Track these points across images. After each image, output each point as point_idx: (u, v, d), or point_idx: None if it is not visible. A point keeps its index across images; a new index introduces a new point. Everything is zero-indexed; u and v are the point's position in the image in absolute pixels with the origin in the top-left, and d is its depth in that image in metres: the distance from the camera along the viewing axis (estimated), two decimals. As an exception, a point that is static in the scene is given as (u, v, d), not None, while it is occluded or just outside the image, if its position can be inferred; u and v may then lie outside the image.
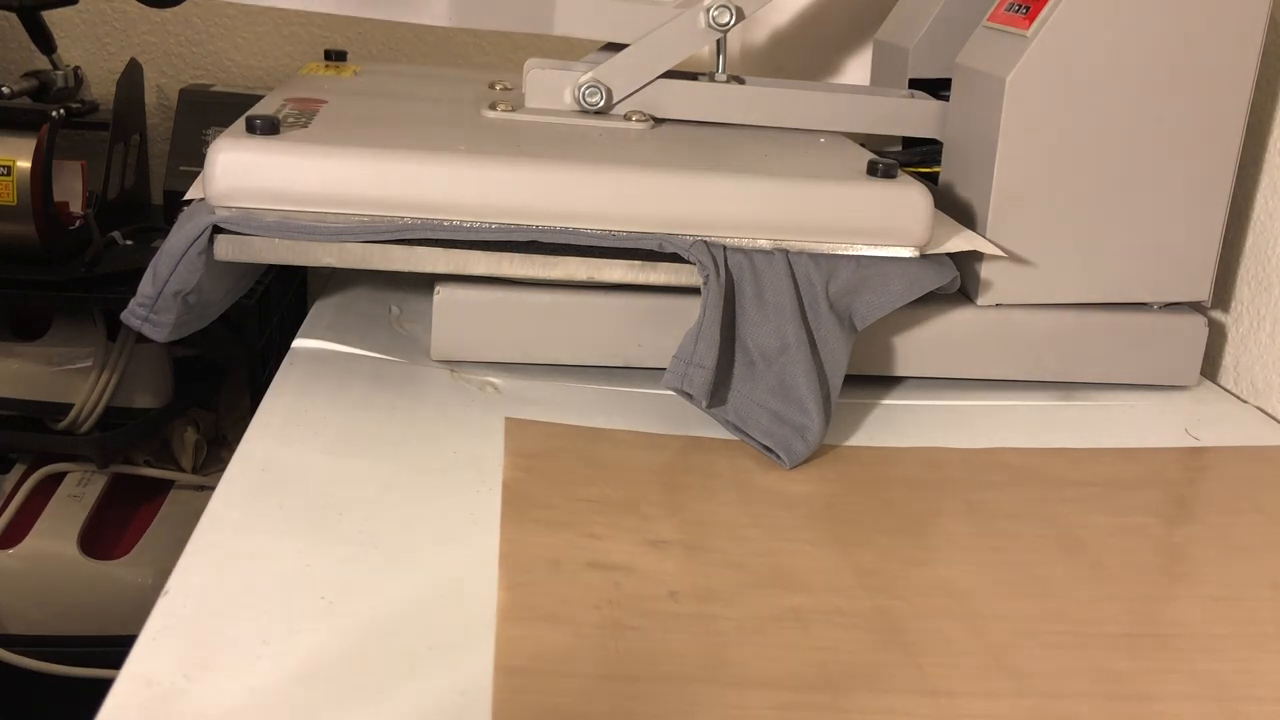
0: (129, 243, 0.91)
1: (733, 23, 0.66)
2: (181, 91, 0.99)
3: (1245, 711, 0.39)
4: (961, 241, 0.61)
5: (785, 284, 0.57)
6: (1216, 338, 0.71)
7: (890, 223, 0.58)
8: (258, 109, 0.60)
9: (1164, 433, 0.62)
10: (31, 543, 0.91)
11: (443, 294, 0.60)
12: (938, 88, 0.71)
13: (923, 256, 0.59)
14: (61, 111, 0.87)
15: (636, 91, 0.67)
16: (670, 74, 0.67)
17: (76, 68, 0.96)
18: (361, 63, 0.80)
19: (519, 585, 0.43)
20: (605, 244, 0.56)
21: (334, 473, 0.50)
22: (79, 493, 0.96)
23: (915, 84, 0.74)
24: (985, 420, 0.62)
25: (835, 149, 0.66)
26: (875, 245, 0.58)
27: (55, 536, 0.91)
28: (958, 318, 0.64)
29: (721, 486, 0.52)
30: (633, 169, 0.56)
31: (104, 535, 0.93)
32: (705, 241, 0.57)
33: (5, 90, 0.87)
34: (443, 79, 0.76)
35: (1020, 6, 0.62)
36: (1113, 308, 0.65)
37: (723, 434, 0.57)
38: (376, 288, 0.72)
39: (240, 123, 0.56)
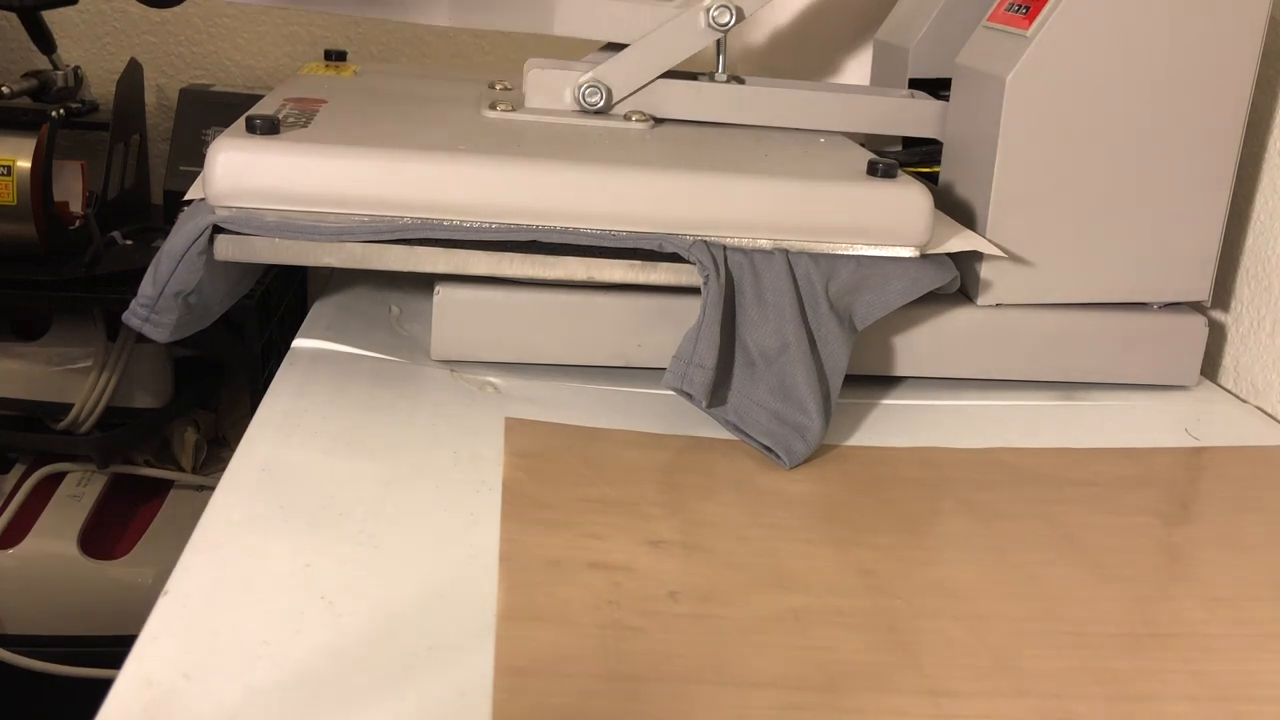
0: (129, 243, 0.91)
1: (733, 23, 0.66)
2: (181, 91, 0.99)
3: (1245, 711, 0.39)
4: (961, 241, 0.61)
5: (785, 284, 0.57)
6: (1216, 338, 0.72)
7: (890, 223, 0.58)
8: (258, 109, 0.60)
9: (1164, 433, 0.62)
10: (31, 543, 0.91)
11: (443, 294, 0.60)
12: (938, 88, 0.71)
13: (923, 256, 0.59)
14: (61, 111, 0.87)
15: (636, 91, 0.67)
16: (670, 74, 0.67)
17: (76, 68, 0.96)
18: (361, 63, 0.80)
19: (519, 585, 0.43)
20: (605, 244, 0.56)
21: (334, 473, 0.50)
22: (79, 493, 0.96)
23: (915, 84, 0.74)
24: (985, 420, 0.62)
25: (835, 149, 0.66)
26: (875, 245, 0.58)
27: (55, 536, 0.91)
28: (958, 318, 0.64)
29: (721, 486, 0.52)
30: (633, 169, 0.56)
31: (104, 535, 0.93)
32: (705, 241, 0.57)
33: (5, 90, 0.87)
34: (443, 79, 0.76)
35: (1020, 6, 0.62)
36: (1113, 308, 0.65)
37: (723, 434, 0.57)
38: (376, 288, 0.72)
39: (240, 123, 0.56)
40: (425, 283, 0.61)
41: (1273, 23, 0.66)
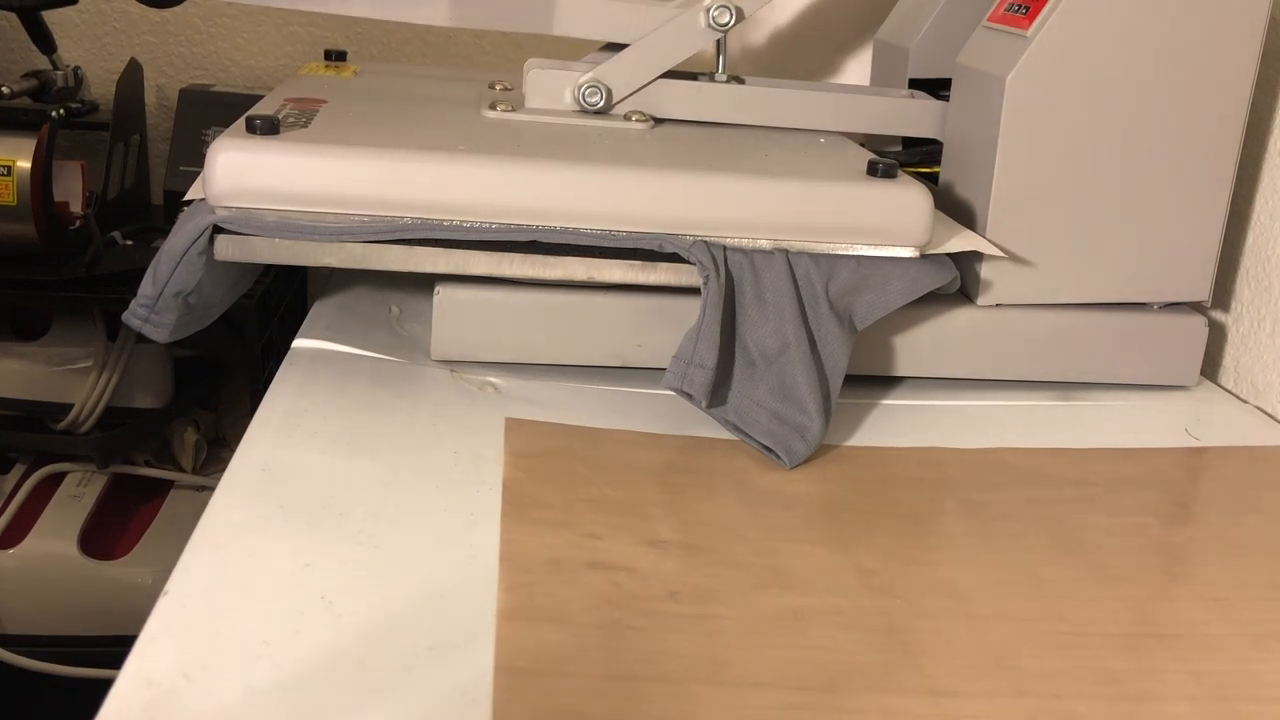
0: (129, 243, 0.91)
1: (733, 23, 0.66)
2: (181, 91, 0.99)
3: (1245, 711, 0.39)
4: (961, 241, 0.61)
5: (785, 284, 0.57)
6: (1216, 338, 0.72)
7: (890, 223, 0.58)
8: (258, 109, 0.60)
9: (1164, 433, 0.62)
10: (31, 543, 0.91)
11: (443, 294, 0.60)
12: (938, 88, 0.71)
13: (923, 256, 0.59)
14: (61, 111, 0.87)
15: (636, 91, 0.67)
16: (670, 74, 0.67)
17: (76, 68, 0.96)
18: (361, 63, 0.80)
19: (519, 585, 0.43)
20: (605, 244, 0.56)
21: (334, 473, 0.50)
22: (79, 493, 0.96)
23: (915, 84, 0.74)
24: (985, 420, 0.62)
25: (835, 149, 0.66)
26: (875, 245, 0.58)
27: (55, 536, 0.91)
28: (958, 318, 0.64)
29: (721, 486, 0.52)
30: (633, 169, 0.56)
31: (104, 535, 0.93)
32: (705, 241, 0.57)
33: (5, 90, 0.87)
34: (443, 79, 0.76)
35: (1020, 6, 0.62)
36: (1113, 308, 0.65)
37: (723, 434, 0.57)
38: (376, 288, 0.72)
39: (240, 123, 0.56)
40: (425, 283, 0.61)
41: (1273, 23, 0.66)
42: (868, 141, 0.74)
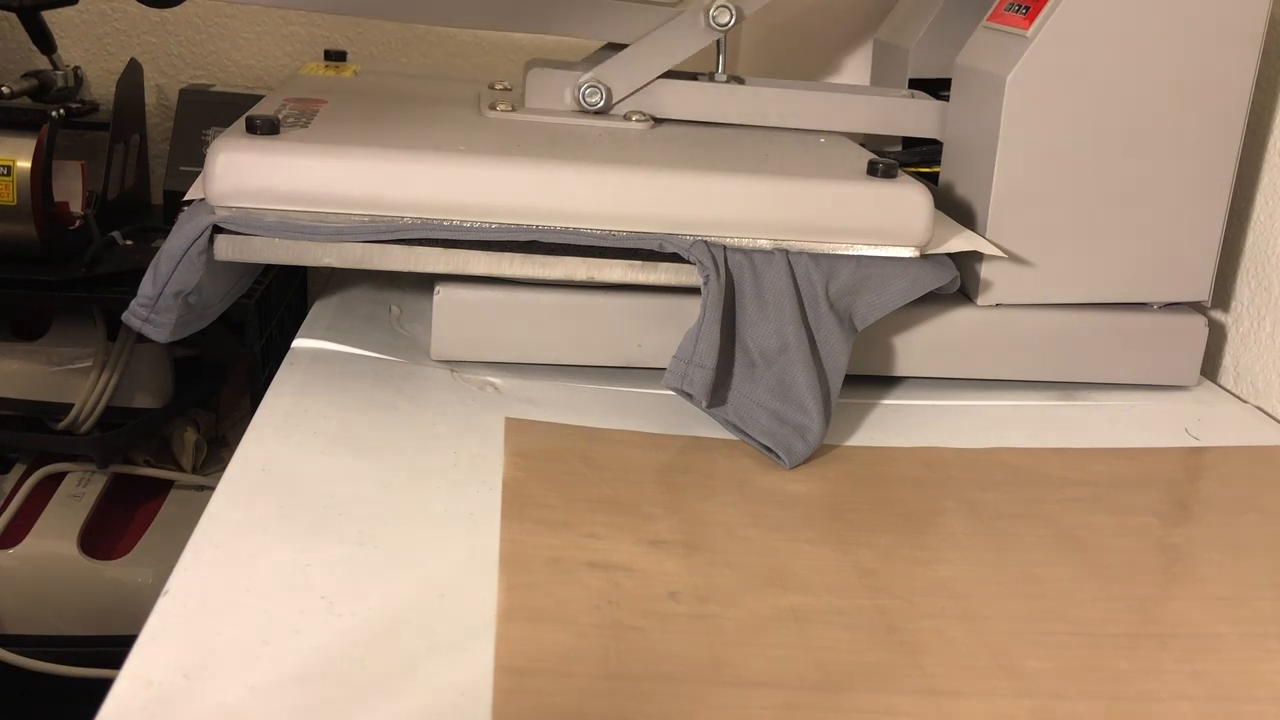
0: (129, 243, 0.91)
1: (733, 23, 0.66)
2: (181, 91, 0.99)
3: (1245, 711, 0.39)
4: (961, 241, 0.61)
5: (785, 284, 0.57)
6: (1216, 338, 0.72)
7: (890, 223, 0.58)
8: (258, 109, 0.60)
9: (1164, 433, 0.62)
10: (31, 543, 0.91)
11: (443, 294, 0.60)
12: (938, 88, 0.71)
13: (923, 256, 0.59)
14: (61, 111, 0.87)
15: (636, 91, 0.67)
16: (670, 74, 0.67)
17: (76, 68, 0.96)
18: (361, 63, 0.80)
19: (519, 585, 0.43)
20: (605, 244, 0.56)
21: (334, 473, 0.50)
22: (79, 493, 0.96)
23: (915, 84, 0.74)
24: (985, 420, 0.62)
25: (835, 149, 0.66)
26: (875, 245, 0.58)
27: (55, 536, 0.91)
28: (958, 318, 0.64)
29: (721, 486, 0.52)
30: (633, 169, 0.56)
31: (104, 535, 0.93)
32: (705, 241, 0.57)
33: (5, 90, 0.87)
34: (443, 79, 0.76)
35: (1020, 6, 0.62)
36: (1113, 308, 0.65)
37: (723, 434, 0.57)
38: (376, 288, 0.72)
39: (240, 123, 0.56)
40: (425, 283, 0.61)
41: (1273, 22, 0.66)
42: (868, 141, 0.74)
